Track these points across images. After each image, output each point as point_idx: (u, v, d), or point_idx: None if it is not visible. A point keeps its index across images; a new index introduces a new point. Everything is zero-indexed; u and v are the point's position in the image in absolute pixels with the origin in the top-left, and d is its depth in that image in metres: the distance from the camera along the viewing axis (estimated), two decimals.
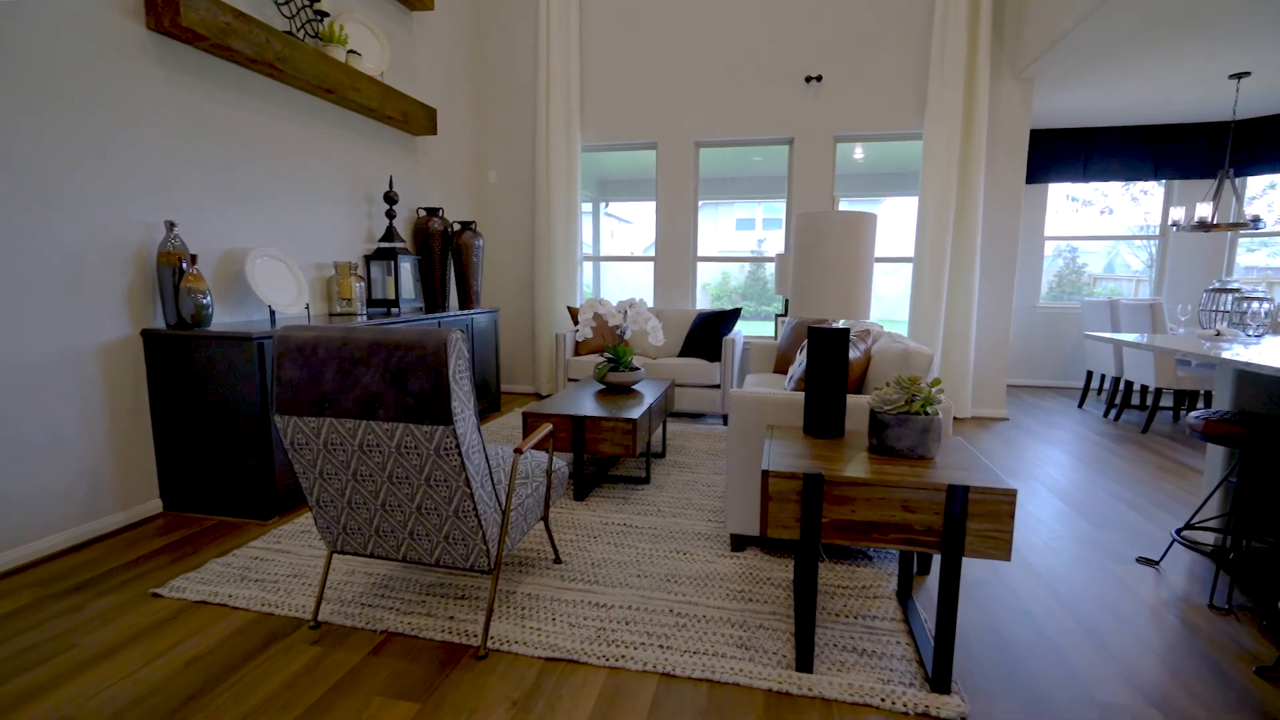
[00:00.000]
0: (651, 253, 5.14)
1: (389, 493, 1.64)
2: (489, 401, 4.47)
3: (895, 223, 5.39)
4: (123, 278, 2.46)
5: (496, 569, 1.71)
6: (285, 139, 3.24)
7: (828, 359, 1.79)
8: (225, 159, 2.90)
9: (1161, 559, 2.23)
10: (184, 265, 2.55)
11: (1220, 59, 3.94)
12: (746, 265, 8.03)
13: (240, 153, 2.98)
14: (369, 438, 1.56)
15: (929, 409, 1.64)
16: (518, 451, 1.74)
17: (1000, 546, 1.43)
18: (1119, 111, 5.16)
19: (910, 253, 4.82)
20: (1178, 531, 2.22)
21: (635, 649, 1.68)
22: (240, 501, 2.57)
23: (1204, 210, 4.20)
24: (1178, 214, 4.50)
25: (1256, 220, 4.21)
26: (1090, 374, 5.06)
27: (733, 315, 4.38)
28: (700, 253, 5.07)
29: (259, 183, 3.10)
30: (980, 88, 4.22)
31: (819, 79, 4.54)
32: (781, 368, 3.87)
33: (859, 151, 4.98)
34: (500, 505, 1.73)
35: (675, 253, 5.02)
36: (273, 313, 2.95)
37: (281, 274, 3.13)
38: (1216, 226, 4.25)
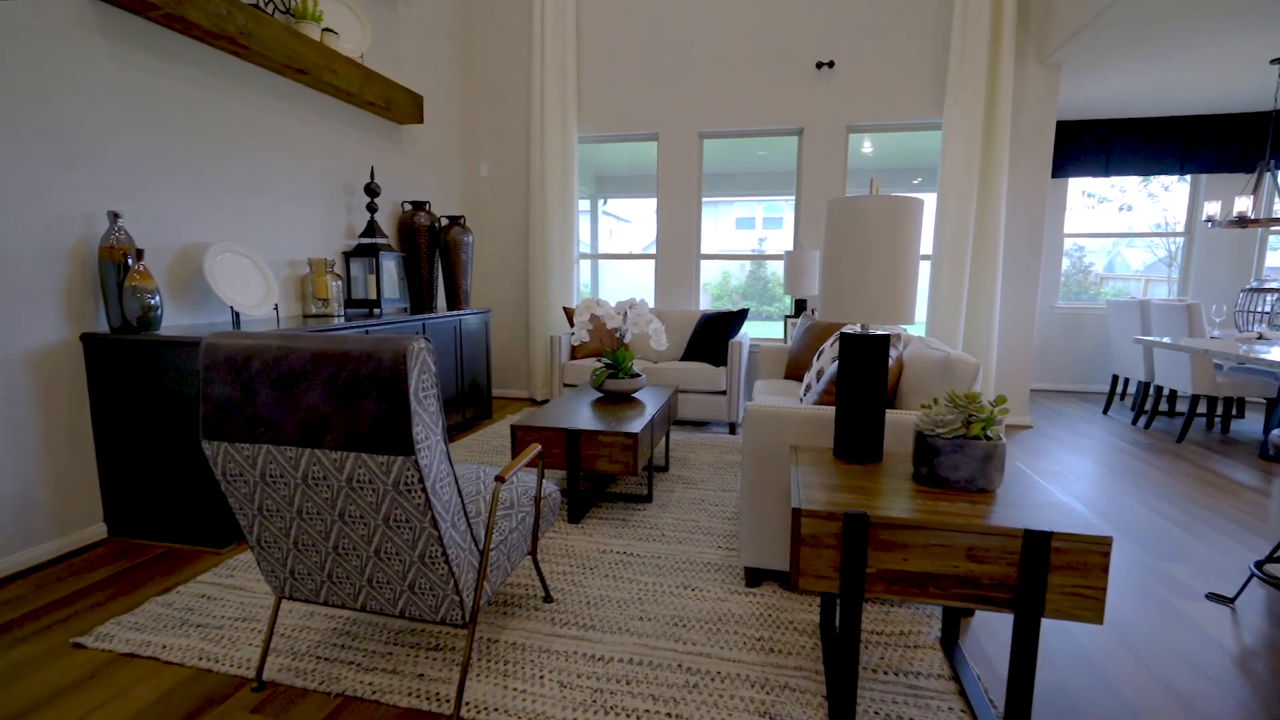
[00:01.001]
0: (652, 251, 4.85)
1: (341, 534, 1.36)
2: (480, 408, 4.18)
3: None
4: (58, 275, 2.17)
5: (473, 622, 1.43)
6: (252, 123, 2.96)
7: (864, 371, 1.52)
8: (181, 145, 2.62)
9: (1237, 596, 1.96)
10: (129, 261, 2.27)
11: (1262, 42, 3.67)
12: (747, 264, 7.78)
13: (199, 138, 2.70)
14: (314, 469, 1.28)
15: (990, 432, 1.37)
16: (499, 480, 1.46)
17: (1091, 607, 1.16)
18: (1145, 101, 4.88)
19: (925, 250, 4.55)
20: (1257, 565, 1.95)
21: (638, 719, 1.41)
22: (193, 527, 2.29)
23: (1243, 204, 3.93)
24: (1213, 209, 4.23)
25: None
26: (1116, 378, 4.79)
27: (739, 316, 4.10)
28: (702, 251, 4.78)
29: (221, 172, 2.81)
30: (1004, 74, 3.94)
31: (830, 65, 4.27)
32: (793, 373, 3.60)
33: (868, 145, 4.70)
34: (478, 545, 1.45)
35: (677, 250, 4.73)
36: (236, 315, 2.66)
37: (247, 271, 2.85)
38: (1255, 222, 3.98)
